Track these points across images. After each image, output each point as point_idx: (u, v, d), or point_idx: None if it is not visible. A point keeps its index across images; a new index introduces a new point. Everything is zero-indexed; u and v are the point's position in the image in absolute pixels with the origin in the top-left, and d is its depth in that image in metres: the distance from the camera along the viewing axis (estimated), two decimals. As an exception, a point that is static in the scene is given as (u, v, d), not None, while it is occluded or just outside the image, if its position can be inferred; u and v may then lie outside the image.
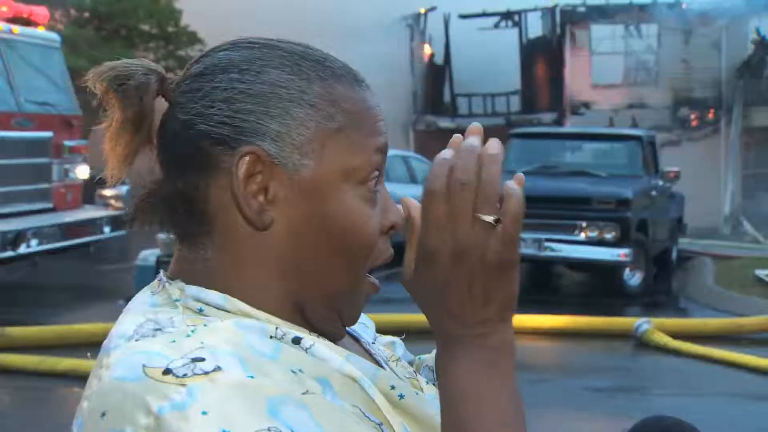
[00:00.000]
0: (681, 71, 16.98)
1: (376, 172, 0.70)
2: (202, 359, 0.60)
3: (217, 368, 0.59)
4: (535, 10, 17.30)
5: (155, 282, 0.72)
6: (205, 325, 0.64)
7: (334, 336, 0.72)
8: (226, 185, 0.67)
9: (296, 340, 0.66)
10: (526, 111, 17.35)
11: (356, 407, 0.65)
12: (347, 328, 0.76)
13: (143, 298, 0.71)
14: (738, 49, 16.84)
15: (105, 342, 0.67)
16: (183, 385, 0.58)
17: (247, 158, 0.67)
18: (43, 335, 5.34)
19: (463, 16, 17.48)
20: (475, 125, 0.65)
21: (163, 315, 0.66)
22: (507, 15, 17.56)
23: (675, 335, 5.70)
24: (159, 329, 0.64)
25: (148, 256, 6.65)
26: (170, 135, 0.69)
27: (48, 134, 7.10)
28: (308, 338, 0.67)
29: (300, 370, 0.64)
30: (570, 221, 7.34)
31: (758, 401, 4.66)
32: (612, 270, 7.61)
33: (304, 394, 0.61)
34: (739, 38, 16.83)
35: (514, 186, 0.63)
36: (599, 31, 17.22)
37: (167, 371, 0.59)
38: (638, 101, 17.01)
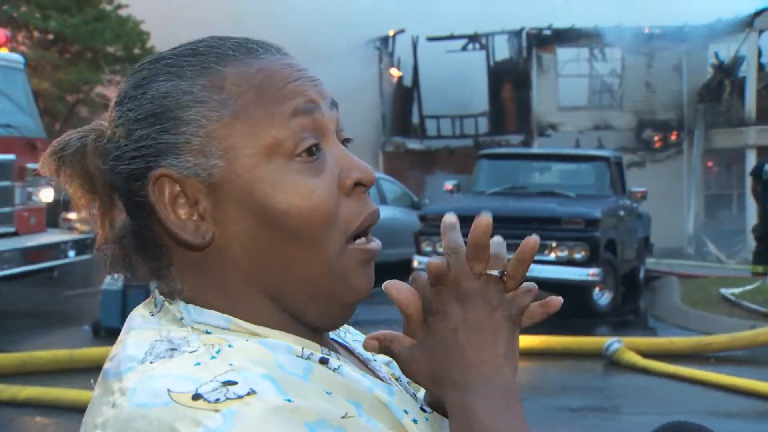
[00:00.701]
0: (644, 94, 17.34)
1: (309, 137, 0.64)
2: (234, 382, 0.56)
3: (252, 391, 0.56)
4: (502, 33, 17.57)
5: (149, 302, 0.69)
6: (230, 345, 0.60)
7: (341, 322, 0.69)
8: (160, 216, 0.65)
9: (323, 361, 0.64)
10: (494, 132, 17.55)
11: None
12: (355, 350, 0.73)
13: (144, 316, 0.67)
14: (698, 73, 17.26)
15: (111, 365, 0.63)
16: (216, 410, 0.55)
17: (160, 182, 0.64)
18: (3, 363, 5.18)
19: (431, 39, 17.67)
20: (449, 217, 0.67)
21: (176, 335, 0.62)
22: (474, 38, 17.81)
23: (644, 354, 5.74)
24: (174, 349, 0.61)
25: (115, 281, 6.53)
26: (114, 185, 0.68)
27: (10, 157, 6.96)
28: (334, 360, 0.65)
29: (331, 392, 0.61)
30: (540, 241, 7.37)
31: (728, 419, 4.69)
32: (582, 290, 7.66)
33: (343, 417, 0.58)
34: (699, 62, 17.27)
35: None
36: (565, 54, 17.54)
37: (197, 396, 0.55)
38: (603, 123, 17.31)
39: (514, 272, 0.66)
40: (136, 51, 15.64)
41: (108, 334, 6.31)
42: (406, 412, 0.66)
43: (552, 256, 7.44)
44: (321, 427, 0.56)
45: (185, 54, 0.67)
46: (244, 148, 0.63)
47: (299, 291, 0.65)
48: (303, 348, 0.63)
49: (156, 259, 0.67)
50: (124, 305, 6.44)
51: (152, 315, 0.67)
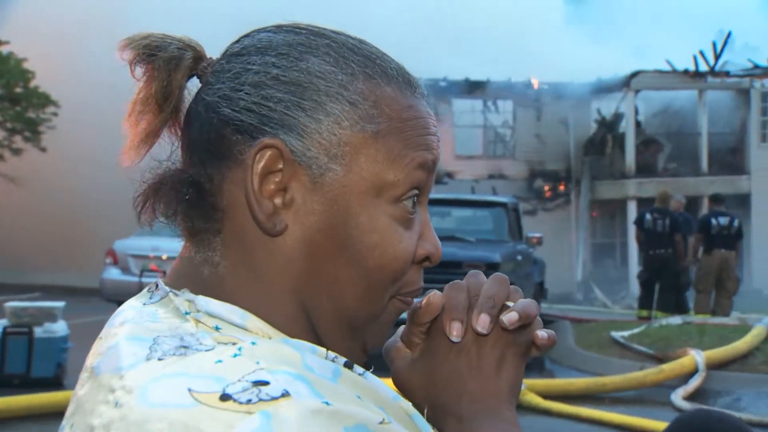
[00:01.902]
0: (535, 145, 18.17)
1: (416, 191, 0.62)
2: (266, 382, 0.51)
3: (286, 393, 0.50)
4: (399, 83, 18.00)
5: (146, 292, 0.62)
6: (253, 343, 0.55)
7: (356, 363, 0.63)
8: (242, 180, 0.59)
9: (348, 365, 0.59)
10: (392, 179, 17.80)
11: None
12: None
13: (137, 309, 0.60)
14: (583, 127, 18.31)
15: (102, 360, 0.56)
16: (250, 412, 0.49)
17: (267, 152, 0.59)
18: None
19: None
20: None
21: (183, 330, 0.56)
22: (373, 87, 18.14)
23: (544, 395, 5.85)
24: (186, 347, 0.54)
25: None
26: (193, 117, 0.62)
27: None
28: (350, 358, 0.61)
29: (360, 397, 0.56)
30: (441, 285, 7.44)
31: (625, 458, 4.82)
32: (481, 333, 7.73)
33: (380, 423, 0.53)
34: (583, 117, 18.33)
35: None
36: (460, 104, 18.16)
37: (225, 396, 0.50)
38: (497, 172, 17.96)
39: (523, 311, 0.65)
40: (18, 90, 14.95)
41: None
42: (432, 426, 0.63)
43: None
44: None
45: (350, 47, 0.62)
46: (365, 170, 0.60)
47: (335, 321, 0.62)
48: (327, 350, 0.59)
49: (206, 220, 0.60)
50: (3, 354, 5.95)
51: (145, 305, 0.60)
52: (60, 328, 6.20)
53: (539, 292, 10.05)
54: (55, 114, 15.24)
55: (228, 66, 0.62)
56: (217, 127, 0.60)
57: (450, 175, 17.72)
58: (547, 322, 10.26)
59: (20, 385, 5.80)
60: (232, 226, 0.60)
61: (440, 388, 0.62)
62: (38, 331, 6.04)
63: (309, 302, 0.61)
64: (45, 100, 15.06)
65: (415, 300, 0.64)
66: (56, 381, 5.93)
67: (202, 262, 0.61)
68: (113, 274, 9.41)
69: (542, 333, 0.65)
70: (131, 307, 0.61)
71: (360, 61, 0.62)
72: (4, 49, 14.77)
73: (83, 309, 8.94)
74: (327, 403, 0.51)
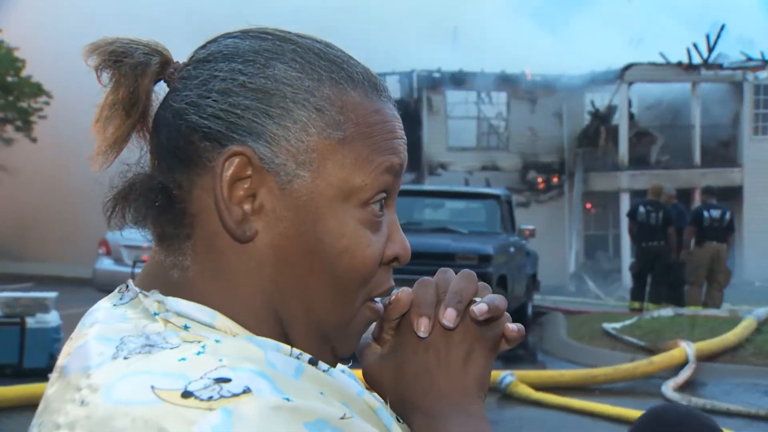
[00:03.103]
0: (528, 138, 18.17)
1: (383, 194, 0.63)
2: (228, 379, 0.52)
3: (247, 389, 0.51)
4: (392, 74, 17.96)
5: (116, 293, 0.62)
6: (217, 341, 0.56)
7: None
8: (211, 186, 0.60)
9: (313, 362, 0.60)
10: (385, 171, 17.80)
11: None
12: None
13: (108, 310, 0.60)
14: (577, 119, 18.32)
15: (71, 360, 0.57)
16: (211, 409, 0.50)
17: (236, 159, 0.59)
18: None
19: (324, 77, 17.80)
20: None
21: (150, 329, 0.57)
22: (366, 78, 18.10)
23: (536, 387, 5.88)
24: (151, 345, 0.55)
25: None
26: (161, 123, 0.63)
27: None
28: (323, 362, 0.62)
29: (324, 393, 0.57)
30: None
31: (616, 449, 4.86)
32: (473, 324, 7.75)
33: (341, 419, 0.54)
34: (577, 110, 18.35)
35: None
36: (454, 96, 18.14)
37: (187, 393, 0.51)
38: (491, 164, 17.97)
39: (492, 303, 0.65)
40: (10, 79, 14.86)
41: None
42: (398, 420, 0.64)
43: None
44: (320, 428, 0.52)
45: (316, 52, 0.63)
46: (333, 176, 0.61)
47: (306, 327, 0.62)
48: (292, 348, 0.60)
49: (176, 226, 0.61)
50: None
51: (115, 306, 0.61)
52: (52, 318, 6.19)
53: (532, 284, 10.08)
54: (47, 103, 15.16)
55: (195, 72, 0.62)
56: (185, 134, 0.60)
57: (443, 166, 17.73)
58: (540, 313, 10.32)
59: (13, 375, 5.80)
60: (202, 231, 0.61)
61: (408, 384, 0.63)
62: (30, 322, 6.04)
63: (280, 307, 0.61)
64: (37, 90, 14.97)
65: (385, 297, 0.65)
66: (49, 371, 5.88)
67: (171, 266, 0.62)
68: (106, 264, 9.40)
69: (512, 325, 0.65)
70: (102, 308, 0.62)
71: (326, 66, 0.62)
72: (-5, 38, 14.68)
73: (75, 299, 8.92)
74: (288, 399, 0.52)
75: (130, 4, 16.23)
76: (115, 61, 0.62)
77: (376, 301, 0.66)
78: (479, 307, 0.63)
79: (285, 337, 0.62)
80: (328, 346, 0.64)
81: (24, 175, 15.50)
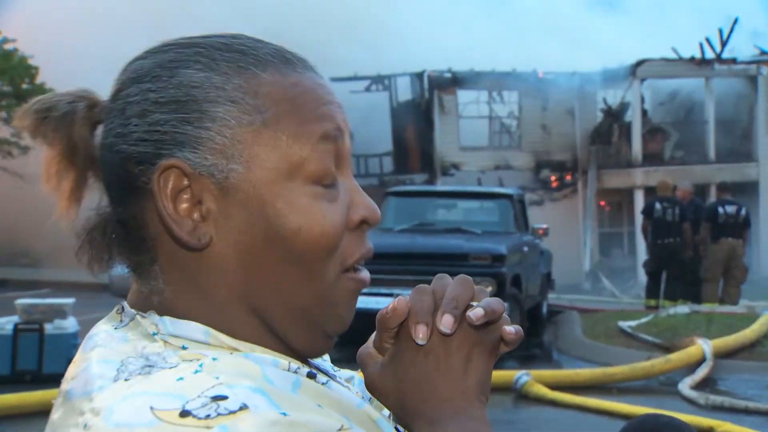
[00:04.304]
0: (540, 136, 18.10)
1: (329, 162, 0.63)
2: (224, 397, 0.52)
3: (244, 406, 0.52)
4: (404, 74, 17.96)
5: (115, 314, 0.63)
6: (214, 359, 0.56)
7: (321, 351, 0.66)
8: (155, 207, 0.61)
9: (311, 375, 0.61)
10: (398, 172, 17.80)
11: None
12: (321, 366, 0.70)
13: (108, 332, 0.61)
14: (589, 116, 18.22)
15: (74, 385, 0.57)
16: (208, 427, 0.51)
17: (170, 173, 0.60)
18: None
19: (335, 80, 17.83)
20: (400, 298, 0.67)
21: (150, 350, 0.58)
22: (377, 79, 18.11)
23: (551, 386, 5.87)
24: (150, 366, 0.56)
25: (5, 324, 6.10)
26: (102, 161, 0.64)
27: None
28: (321, 375, 0.63)
29: (321, 406, 0.58)
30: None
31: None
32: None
33: (339, 430, 0.55)
34: (589, 107, 18.24)
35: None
36: (465, 96, 18.11)
37: (185, 413, 0.51)
38: (503, 163, 17.92)
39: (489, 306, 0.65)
40: (25, 86, 15.00)
41: (-5, 382, 5.87)
42: (397, 430, 0.65)
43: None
44: None
45: (219, 47, 0.63)
46: (267, 160, 0.61)
47: (286, 314, 0.63)
48: (289, 362, 0.61)
49: (139, 253, 0.63)
50: (15, 351, 6.01)
51: (116, 329, 0.62)
52: (70, 324, 6.25)
53: (546, 283, 10.05)
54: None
55: (113, 105, 0.63)
56: (121, 165, 0.62)
57: (456, 166, 17.70)
58: (555, 312, 10.29)
59: (32, 381, 5.87)
60: (164, 251, 0.62)
61: (409, 391, 0.63)
62: (49, 328, 6.10)
63: (257, 303, 0.62)
64: (51, 97, 15.07)
65: (383, 305, 0.65)
66: (67, 377, 5.98)
67: (149, 293, 0.63)
68: (122, 270, 9.46)
69: (510, 328, 0.65)
70: (102, 331, 0.62)
71: (231, 58, 0.62)
72: (10, 47, 14.81)
73: (92, 305, 9.00)
74: (284, 414, 0.52)
75: (141, 10, 16.33)
76: (43, 118, 0.63)
77: (358, 269, 0.65)
78: (475, 312, 0.63)
79: (272, 333, 0.63)
80: (318, 330, 0.64)
81: (41, 181, 15.64)
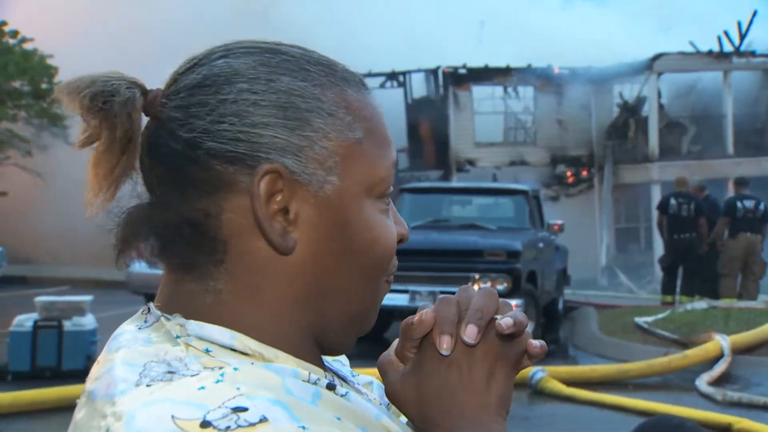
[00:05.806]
0: (556, 131, 17.99)
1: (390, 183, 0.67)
2: (245, 408, 0.53)
3: (264, 419, 0.52)
4: (418, 71, 17.93)
5: (140, 315, 0.64)
6: (235, 369, 0.57)
7: (349, 349, 0.68)
8: (242, 207, 0.61)
9: (330, 387, 0.61)
10: (413, 168, 17.78)
11: None
12: (339, 372, 0.71)
13: (133, 333, 0.62)
14: (605, 111, 18.09)
15: (98, 386, 0.58)
16: None
17: (267, 176, 0.61)
18: None
19: (350, 77, 17.83)
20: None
21: (172, 355, 0.58)
22: (392, 75, 18.09)
23: (567, 382, 5.85)
24: (172, 372, 0.56)
25: (25, 321, 6.17)
26: (169, 155, 0.62)
27: None
28: (340, 386, 0.63)
29: (340, 418, 0.58)
30: (463, 273, 7.46)
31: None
32: (504, 321, 7.72)
33: None
34: (605, 102, 18.11)
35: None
36: (480, 92, 18.04)
37: (206, 423, 0.52)
38: (519, 159, 17.84)
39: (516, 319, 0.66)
40: (44, 86, 15.14)
41: (16, 378, 5.94)
42: None
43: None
44: None
45: (302, 56, 0.64)
46: (357, 175, 0.63)
47: (342, 318, 0.65)
48: (309, 373, 0.61)
49: (205, 251, 0.61)
50: (35, 348, 6.09)
51: (140, 329, 0.62)
52: (88, 321, 6.32)
53: (562, 279, 10.01)
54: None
55: (195, 99, 0.62)
56: (204, 162, 0.61)
57: (471, 162, 17.65)
58: (571, 308, 10.25)
59: (52, 377, 5.94)
60: (237, 253, 0.61)
61: (430, 401, 0.63)
62: (68, 325, 6.17)
63: (318, 309, 0.64)
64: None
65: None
66: (86, 373, 5.98)
67: (203, 292, 0.62)
68: (139, 267, 9.54)
69: (535, 342, 0.66)
70: (126, 331, 0.63)
71: (320, 71, 0.64)
72: (29, 46, 14.94)
73: (110, 302, 9.08)
74: (303, 428, 0.53)
75: (160, 7, 16.41)
76: (104, 102, 0.61)
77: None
78: (505, 321, 0.63)
79: (308, 337, 0.64)
80: (358, 331, 0.67)
81: (60, 180, 15.80)
